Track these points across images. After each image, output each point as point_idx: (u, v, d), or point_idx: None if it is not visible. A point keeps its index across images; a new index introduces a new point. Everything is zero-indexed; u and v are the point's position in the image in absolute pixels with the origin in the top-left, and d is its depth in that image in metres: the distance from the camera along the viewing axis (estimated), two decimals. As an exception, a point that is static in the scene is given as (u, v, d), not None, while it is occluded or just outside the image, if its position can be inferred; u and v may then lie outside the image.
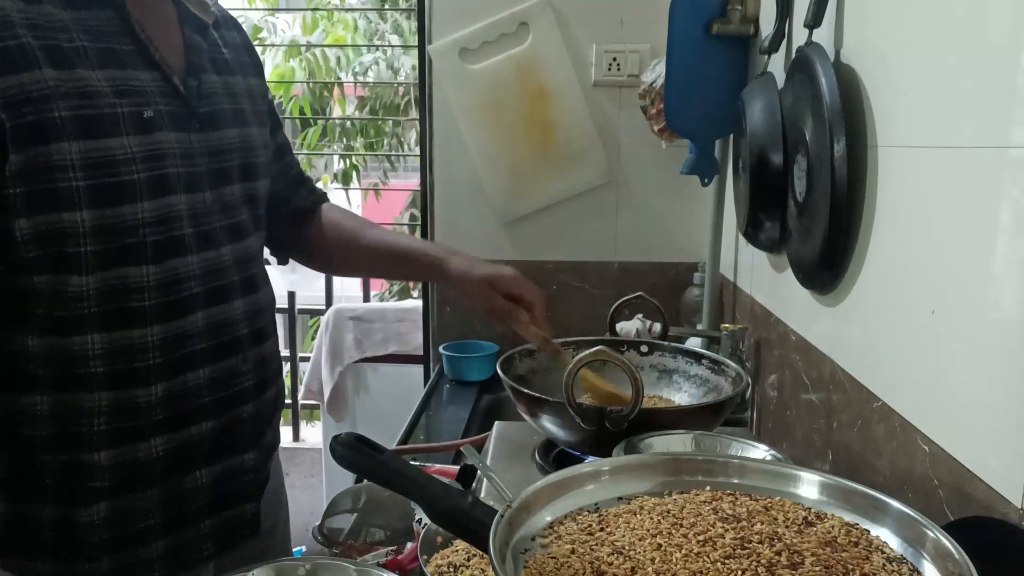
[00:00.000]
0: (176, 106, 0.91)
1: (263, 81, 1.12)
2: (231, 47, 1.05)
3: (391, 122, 4.32)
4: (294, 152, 1.25)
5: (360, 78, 4.21)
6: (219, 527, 1.00)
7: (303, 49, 3.98)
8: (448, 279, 1.19)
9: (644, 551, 0.61)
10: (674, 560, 0.59)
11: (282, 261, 1.27)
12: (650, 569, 0.58)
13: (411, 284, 3.99)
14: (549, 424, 1.08)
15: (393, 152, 4.41)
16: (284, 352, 3.37)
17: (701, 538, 0.62)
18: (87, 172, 0.81)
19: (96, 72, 0.83)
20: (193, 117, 0.93)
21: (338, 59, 4.05)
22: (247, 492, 1.03)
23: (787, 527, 0.64)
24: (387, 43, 4.26)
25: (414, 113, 4.22)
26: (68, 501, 0.90)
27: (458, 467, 1.19)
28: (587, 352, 0.97)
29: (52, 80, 0.79)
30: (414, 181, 4.59)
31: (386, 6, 4.29)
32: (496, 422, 1.32)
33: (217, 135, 0.96)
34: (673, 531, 0.63)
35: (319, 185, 1.28)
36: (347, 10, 4.26)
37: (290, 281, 3.40)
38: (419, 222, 2.39)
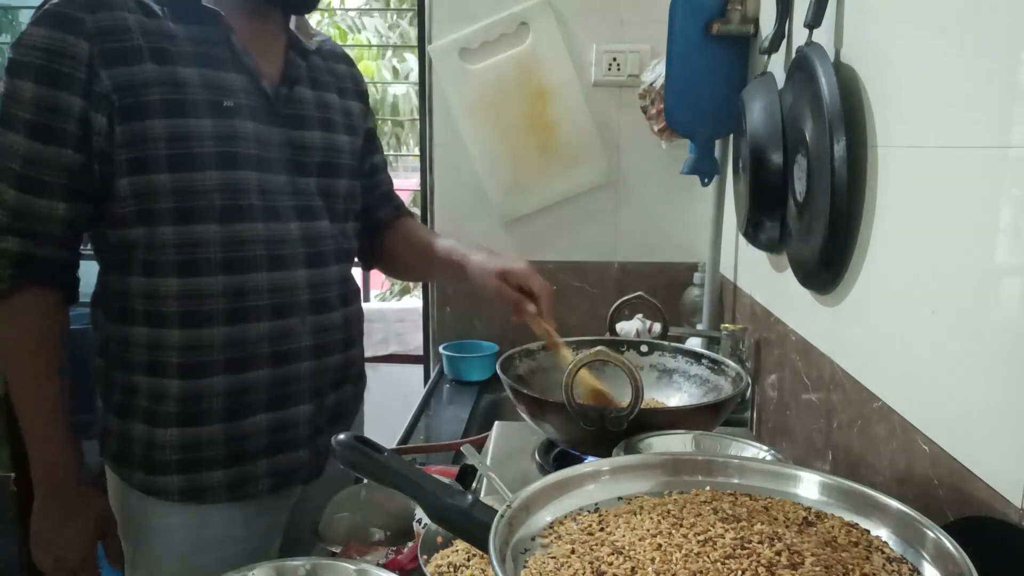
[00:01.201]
0: (259, 103, 1.09)
1: (366, 106, 1.31)
2: (336, 75, 1.25)
3: (390, 123, 4.32)
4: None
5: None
6: (273, 468, 1.14)
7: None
8: (467, 272, 1.27)
9: (644, 551, 0.61)
10: (674, 560, 0.59)
11: (366, 268, 1.47)
12: (650, 569, 0.58)
13: (411, 285, 4.00)
14: (549, 424, 1.08)
15: (392, 152, 4.41)
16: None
17: (701, 538, 0.62)
18: (168, 144, 1.01)
19: (190, 69, 1.03)
20: (275, 114, 1.11)
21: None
22: (300, 441, 1.16)
23: (787, 527, 0.64)
24: (387, 44, 4.26)
25: (413, 114, 4.22)
26: (150, 421, 1.08)
27: (458, 467, 1.19)
28: (587, 352, 0.97)
29: (152, 72, 1.01)
30: (413, 181, 4.59)
31: (385, 6, 4.29)
32: (496, 422, 1.32)
33: (299, 134, 1.14)
34: (673, 531, 0.63)
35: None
36: (351, 10, 4.27)
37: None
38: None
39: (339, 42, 4.13)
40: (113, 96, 1.00)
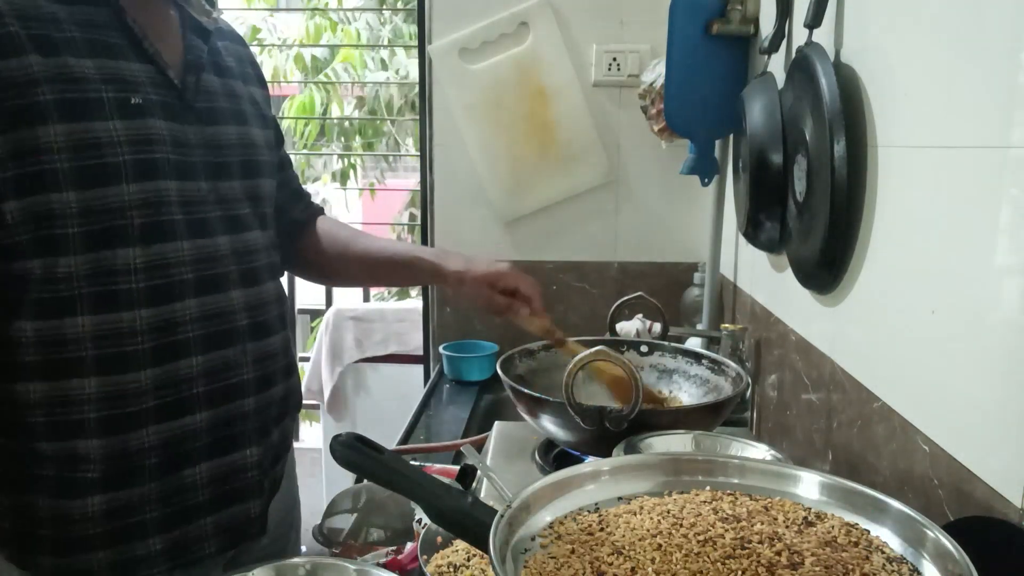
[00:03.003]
0: (170, 97, 0.93)
1: (266, 92, 1.14)
2: (235, 57, 1.07)
3: (389, 122, 4.33)
4: (291, 151, 1.25)
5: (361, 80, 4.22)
6: (221, 525, 0.98)
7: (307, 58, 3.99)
8: (445, 281, 1.20)
9: (644, 551, 0.61)
10: (674, 560, 0.59)
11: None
12: (650, 569, 0.58)
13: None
14: (549, 424, 1.08)
15: (391, 152, 4.41)
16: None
17: (701, 538, 0.62)
18: (71, 154, 0.83)
19: (84, 60, 0.85)
20: (189, 110, 0.95)
21: (346, 71, 4.07)
22: (250, 490, 1.01)
23: (787, 527, 0.64)
24: (386, 44, 4.26)
25: (412, 114, 4.22)
26: (63, 493, 0.90)
27: (458, 467, 1.19)
28: (587, 352, 0.97)
29: (37, 66, 0.82)
30: (412, 181, 4.60)
31: (385, 6, 4.29)
32: (496, 422, 1.32)
33: (214, 130, 0.98)
34: (673, 531, 0.63)
35: (320, 185, 1.29)
36: (346, 10, 4.27)
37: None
38: (418, 222, 2.39)
39: (330, 35, 4.15)
40: None
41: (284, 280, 1.13)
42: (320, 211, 1.28)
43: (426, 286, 2.20)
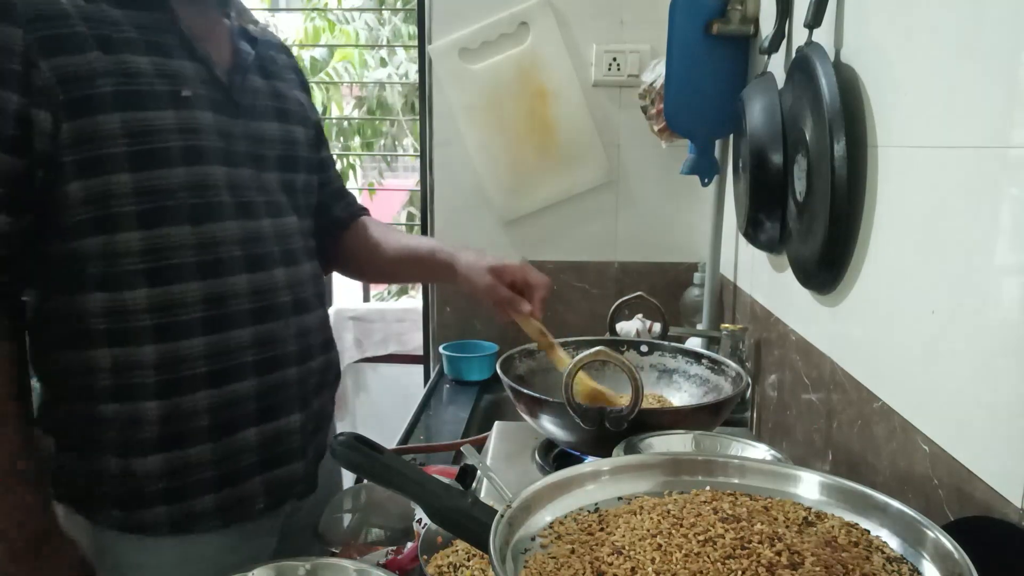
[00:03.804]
0: (217, 93, 1.01)
1: (310, 97, 1.24)
2: (279, 65, 1.18)
3: (388, 122, 4.33)
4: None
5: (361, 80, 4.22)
6: (270, 484, 1.06)
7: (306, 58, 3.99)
8: (457, 272, 1.22)
9: (644, 551, 0.61)
10: (674, 560, 0.59)
11: (324, 270, 1.32)
12: (650, 569, 0.58)
13: (410, 284, 3.99)
14: (549, 424, 1.08)
15: (390, 152, 4.41)
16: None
17: (701, 538, 0.62)
18: (126, 139, 0.91)
19: (140, 57, 0.94)
20: (234, 105, 1.03)
21: (346, 69, 4.07)
22: (294, 454, 1.09)
23: (787, 527, 0.64)
24: (386, 45, 4.26)
25: (412, 114, 4.22)
26: (126, 452, 0.97)
27: (458, 467, 1.19)
28: (587, 352, 0.97)
29: (99, 61, 0.91)
30: (410, 181, 4.60)
31: (384, 6, 4.29)
32: (496, 422, 1.32)
33: (257, 125, 1.06)
34: (673, 531, 0.63)
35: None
36: (345, 10, 4.27)
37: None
38: (417, 222, 2.39)
39: (329, 36, 4.15)
40: (57, 90, 0.88)
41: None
42: (362, 211, 1.35)
43: (427, 285, 2.20)
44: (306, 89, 1.24)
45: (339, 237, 1.30)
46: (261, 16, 4.20)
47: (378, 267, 1.34)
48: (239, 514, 1.04)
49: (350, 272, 1.41)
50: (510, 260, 1.20)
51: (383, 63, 4.24)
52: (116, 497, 0.98)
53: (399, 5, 4.29)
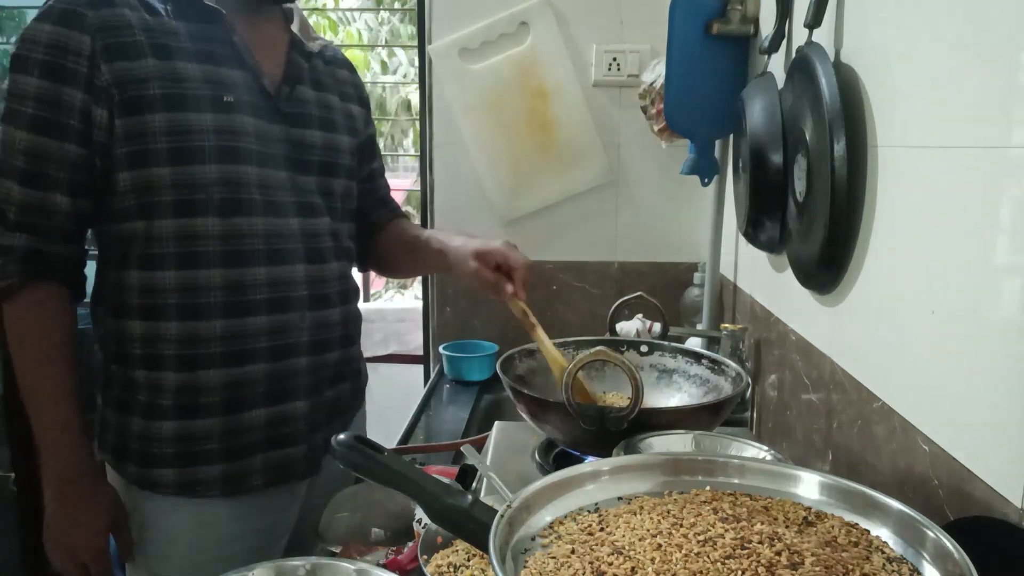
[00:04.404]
0: (261, 100, 1.11)
1: (367, 112, 1.33)
2: (337, 79, 1.27)
3: (390, 123, 4.33)
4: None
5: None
6: (269, 463, 1.14)
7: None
8: (447, 256, 1.27)
9: (644, 551, 0.61)
10: (674, 560, 0.59)
11: (361, 269, 1.46)
12: (650, 569, 0.58)
13: (408, 281, 4.00)
14: (549, 424, 1.08)
15: (389, 152, 4.41)
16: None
17: (701, 538, 0.62)
18: (168, 137, 1.03)
19: (191, 65, 1.05)
20: (276, 112, 1.12)
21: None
22: (296, 438, 1.16)
23: (787, 527, 0.64)
24: (385, 44, 4.26)
25: (410, 114, 4.22)
26: (148, 415, 1.09)
27: (458, 467, 1.19)
28: (587, 352, 0.97)
29: (153, 67, 1.02)
30: (409, 181, 4.60)
31: (382, 6, 4.29)
32: (496, 422, 1.32)
33: (299, 132, 1.15)
34: (673, 531, 0.63)
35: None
36: (344, 10, 4.27)
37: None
38: (416, 222, 2.39)
39: (329, 34, 4.16)
40: (113, 90, 1.01)
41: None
42: (401, 214, 1.44)
43: (426, 284, 2.20)
44: (364, 104, 1.33)
45: (376, 238, 1.39)
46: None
47: (400, 262, 1.42)
48: (238, 486, 1.12)
49: (386, 269, 1.50)
50: (494, 243, 1.23)
51: (384, 67, 4.24)
52: (136, 454, 1.10)
53: (397, 5, 4.29)
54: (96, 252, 1.12)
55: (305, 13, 4.29)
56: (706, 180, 1.70)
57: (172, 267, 1.05)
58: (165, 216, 1.04)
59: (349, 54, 4.27)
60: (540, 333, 1.20)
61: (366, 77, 4.25)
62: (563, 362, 1.17)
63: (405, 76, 4.15)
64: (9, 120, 1.01)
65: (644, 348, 1.31)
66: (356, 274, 1.36)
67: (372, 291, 3.63)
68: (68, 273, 1.08)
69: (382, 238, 1.39)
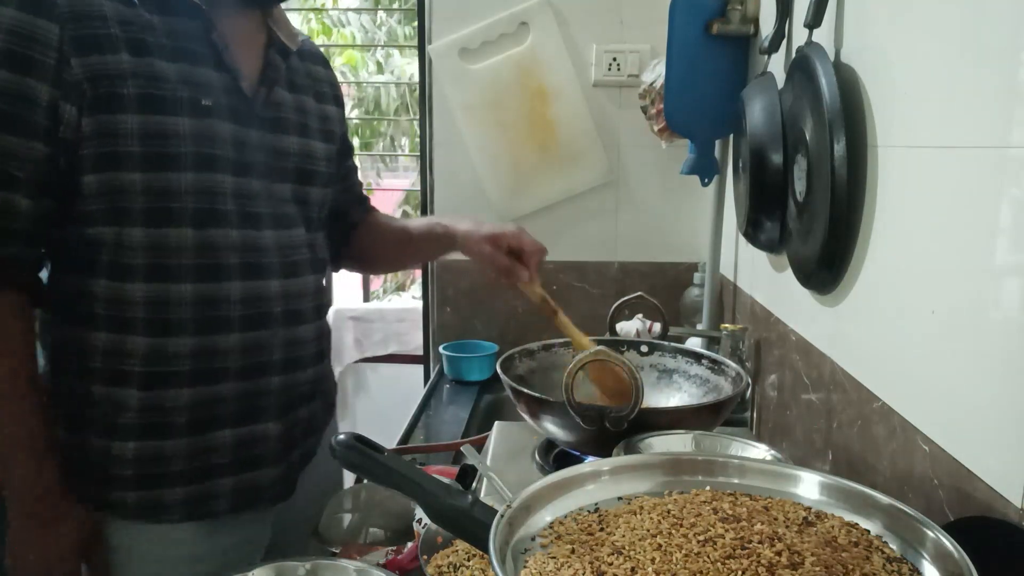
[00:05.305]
0: (239, 104, 1.04)
1: (341, 111, 1.26)
2: (313, 77, 1.19)
3: (386, 123, 4.33)
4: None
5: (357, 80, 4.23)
6: (238, 487, 1.07)
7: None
8: (455, 241, 1.24)
9: (644, 551, 0.61)
10: (674, 560, 0.59)
11: (335, 268, 1.38)
12: (650, 569, 0.58)
13: (411, 277, 3.99)
14: (549, 424, 1.08)
15: (388, 152, 4.42)
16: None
17: (701, 538, 0.62)
18: (142, 141, 0.95)
19: (168, 63, 0.97)
20: (254, 117, 1.05)
21: (343, 75, 4.08)
22: (268, 459, 1.10)
23: (787, 527, 0.64)
24: (385, 44, 4.26)
25: (409, 114, 4.22)
26: (108, 434, 1.01)
27: (458, 467, 1.19)
28: (587, 352, 0.97)
29: (128, 63, 0.95)
30: (407, 181, 4.60)
31: (379, 7, 4.30)
32: (496, 422, 1.32)
33: (276, 137, 1.08)
34: (673, 531, 0.63)
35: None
36: (342, 10, 4.27)
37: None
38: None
39: (325, 39, 4.15)
40: (85, 85, 0.93)
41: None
42: (373, 208, 1.38)
43: (426, 284, 2.20)
44: (339, 103, 1.26)
45: (350, 237, 1.33)
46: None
47: (384, 255, 1.38)
48: (204, 510, 1.05)
49: (360, 267, 1.45)
50: (507, 226, 1.22)
51: (379, 68, 4.24)
52: (94, 475, 1.02)
53: (395, 6, 4.29)
54: (50, 255, 1.03)
55: (302, 14, 4.25)
56: (706, 180, 1.70)
57: (142, 279, 0.98)
58: (135, 224, 0.97)
59: (346, 55, 4.26)
60: (563, 318, 1.18)
61: (363, 78, 4.25)
62: (589, 345, 1.17)
63: (400, 77, 4.15)
64: None
65: (644, 348, 1.31)
66: (349, 280, 1.34)
67: (373, 291, 3.63)
68: (27, 279, 1.00)
69: (360, 234, 1.34)
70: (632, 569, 0.58)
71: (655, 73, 1.75)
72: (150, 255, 0.98)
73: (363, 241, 1.34)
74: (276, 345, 1.08)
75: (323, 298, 1.19)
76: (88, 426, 1.01)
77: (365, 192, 1.39)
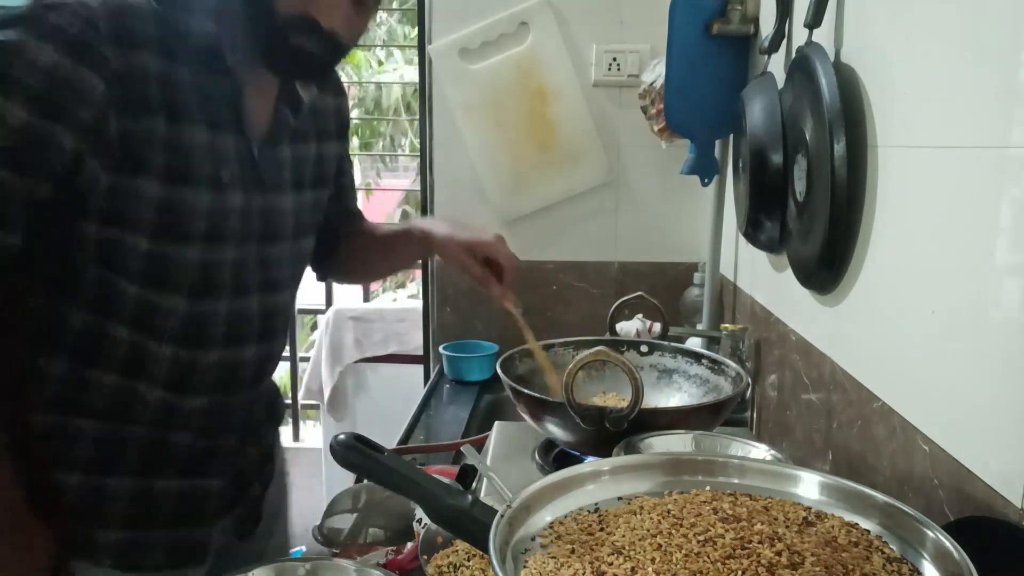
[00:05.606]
0: (248, 171, 1.00)
1: (343, 144, 1.23)
2: (319, 113, 1.14)
3: (386, 123, 4.33)
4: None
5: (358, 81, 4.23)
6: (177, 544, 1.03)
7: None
8: (432, 246, 1.22)
9: (644, 551, 0.61)
10: (674, 560, 0.59)
11: (320, 278, 1.35)
12: (650, 569, 0.58)
13: (411, 276, 3.99)
14: (549, 424, 1.08)
15: (388, 152, 4.42)
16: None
17: (701, 538, 0.62)
18: (158, 212, 0.92)
19: (197, 131, 0.94)
20: (260, 183, 1.02)
21: (347, 75, 4.08)
22: (207, 518, 1.05)
23: (787, 527, 0.64)
24: (384, 44, 4.26)
25: (408, 114, 4.22)
26: (54, 466, 0.96)
27: (458, 467, 1.19)
28: (587, 352, 0.97)
29: (162, 131, 0.91)
30: (407, 181, 4.60)
31: (380, 6, 4.30)
32: (496, 422, 1.32)
33: (275, 199, 1.05)
34: (673, 531, 0.63)
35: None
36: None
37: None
38: (411, 220, 2.40)
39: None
40: (116, 145, 0.89)
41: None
42: (362, 218, 1.34)
43: (426, 284, 2.20)
44: (342, 136, 1.22)
45: (340, 246, 1.30)
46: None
47: (368, 262, 1.34)
48: (126, 564, 0.99)
49: (345, 276, 1.43)
50: (483, 235, 1.19)
51: (379, 66, 4.24)
52: (42, 508, 0.94)
53: (395, 5, 4.29)
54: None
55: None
56: (706, 180, 1.70)
57: (126, 327, 0.95)
58: (131, 281, 0.94)
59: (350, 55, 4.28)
60: (528, 335, 1.20)
61: (363, 77, 4.25)
62: (549, 367, 1.20)
63: (402, 76, 4.15)
64: None
65: (644, 348, 1.31)
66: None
67: (373, 291, 3.63)
68: None
69: (347, 245, 1.30)
70: (632, 569, 0.58)
71: (655, 73, 1.75)
72: (140, 313, 0.95)
73: (348, 250, 1.31)
74: (239, 410, 1.07)
75: (280, 355, 1.17)
76: (25, 454, 0.94)
77: (359, 207, 1.35)
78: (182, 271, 0.96)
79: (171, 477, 1.02)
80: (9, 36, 0.83)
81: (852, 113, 0.99)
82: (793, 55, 1.16)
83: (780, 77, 1.25)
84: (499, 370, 1.17)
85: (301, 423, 3.54)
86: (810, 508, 0.68)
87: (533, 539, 0.65)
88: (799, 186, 1.13)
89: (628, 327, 1.79)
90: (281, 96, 1.05)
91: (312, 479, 3.14)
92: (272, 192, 1.04)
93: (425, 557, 0.89)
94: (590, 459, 1.01)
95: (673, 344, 1.30)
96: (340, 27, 0.95)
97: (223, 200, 0.97)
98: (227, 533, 1.08)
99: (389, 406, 2.77)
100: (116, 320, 0.95)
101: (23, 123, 0.83)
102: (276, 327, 1.10)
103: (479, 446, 1.34)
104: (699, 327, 1.83)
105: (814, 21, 1.08)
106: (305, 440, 3.49)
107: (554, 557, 0.61)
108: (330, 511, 1.16)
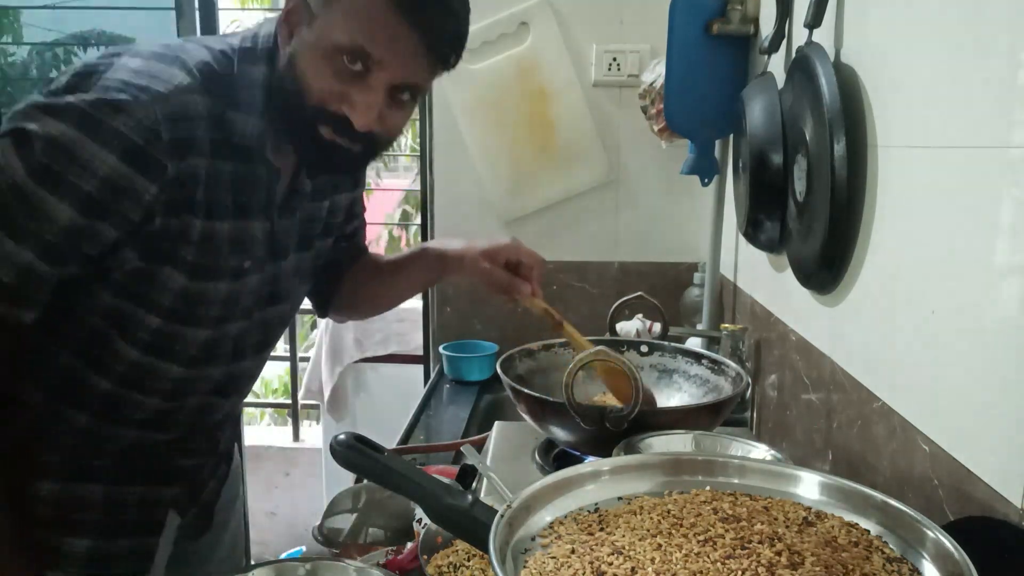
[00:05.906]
0: (267, 250, 1.01)
1: (359, 190, 1.21)
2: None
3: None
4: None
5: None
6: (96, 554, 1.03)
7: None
8: (448, 264, 1.18)
9: (644, 551, 0.61)
10: (674, 560, 0.59)
11: (321, 315, 1.32)
12: (650, 569, 0.58)
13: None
14: (549, 424, 1.08)
15: (387, 152, 4.41)
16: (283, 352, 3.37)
17: (701, 538, 0.62)
18: (176, 299, 0.94)
19: (229, 225, 0.94)
20: (274, 256, 1.02)
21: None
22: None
23: (787, 527, 0.64)
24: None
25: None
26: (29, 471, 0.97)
27: (458, 467, 1.19)
28: (587, 352, 0.97)
29: (197, 229, 0.91)
30: (407, 181, 4.60)
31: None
32: (496, 422, 1.32)
33: (279, 265, 1.04)
34: (673, 531, 0.63)
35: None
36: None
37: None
38: (412, 220, 2.39)
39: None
40: (157, 237, 0.89)
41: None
42: (366, 250, 1.30)
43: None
44: (360, 182, 1.21)
45: (344, 281, 1.25)
46: (258, 16, 4.20)
47: (374, 292, 1.28)
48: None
49: (349, 312, 1.34)
50: (501, 240, 1.16)
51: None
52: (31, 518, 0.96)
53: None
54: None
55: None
56: (706, 180, 1.70)
57: (117, 383, 0.97)
58: (134, 346, 0.95)
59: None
60: (569, 328, 1.15)
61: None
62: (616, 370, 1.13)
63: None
64: (5, 221, 0.83)
65: (644, 348, 1.31)
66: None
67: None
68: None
69: (350, 279, 1.25)
70: (632, 569, 0.58)
71: (655, 73, 1.76)
72: (137, 372, 0.97)
73: (351, 285, 1.25)
74: (213, 455, 1.12)
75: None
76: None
77: (366, 244, 1.30)
78: (187, 346, 0.98)
79: (135, 484, 1.02)
80: (65, 132, 0.81)
81: (852, 113, 0.99)
82: (793, 55, 1.16)
83: (780, 77, 1.25)
84: (499, 370, 1.17)
85: (301, 423, 3.54)
86: (810, 508, 0.68)
87: (533, 539, 0.65)
88: (799, 186, 1.13)
89: (628, 327, 1.79)
90: (303, 165, 1.02)
91: (312, 479, 3.14)
92: (282, 257, 1.04)
93: (425, 557, 0.89)
94: (590, 459, 1.01)
95: (673, 344, 1.30)
96: (375, 126, 0.92)
97: (241, 285, 0.98)
98: (182, 535, 1.09)
99: (389, 406, 2.76)
100: (103, 375, 0.96)
101: (70, 221, 0.84)
102: (253, 378, 1.14)
103: (479, 446, 1.34)
104: (699, 327, 1.83)
105: (814, 21, 1.08)
106: (305, 440, 3.48)
107: (554, 557, 0.61)
108: (330, 511, 1.16)
